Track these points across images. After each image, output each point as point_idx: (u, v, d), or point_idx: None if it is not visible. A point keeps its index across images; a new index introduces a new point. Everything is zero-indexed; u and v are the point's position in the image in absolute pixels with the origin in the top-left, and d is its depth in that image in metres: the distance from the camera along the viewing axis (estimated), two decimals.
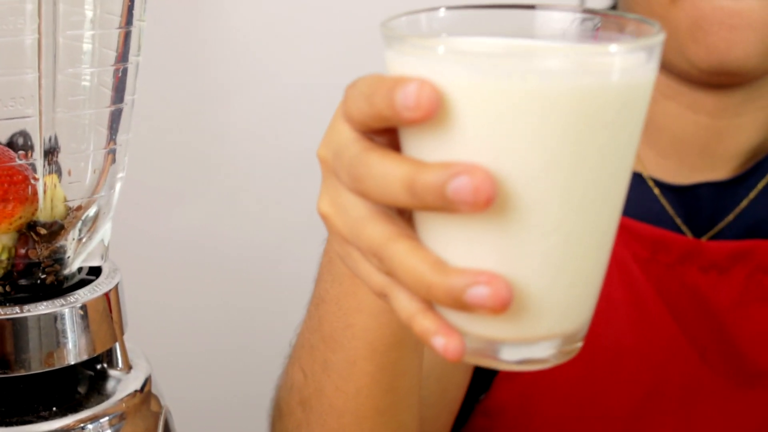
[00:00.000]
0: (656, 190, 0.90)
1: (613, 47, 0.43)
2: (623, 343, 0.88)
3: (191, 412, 0.74)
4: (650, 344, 0.88)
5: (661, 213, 0.90)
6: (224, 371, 1.45)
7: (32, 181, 0.61)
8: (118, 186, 0.66)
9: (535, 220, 0.44)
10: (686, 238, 0.88)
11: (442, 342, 0.46)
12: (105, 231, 0.66)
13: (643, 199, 0.91)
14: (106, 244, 0.67)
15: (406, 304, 0.48)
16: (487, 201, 0.42)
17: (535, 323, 0.46)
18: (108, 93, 0.64)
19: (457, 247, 0.45)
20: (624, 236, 0.88)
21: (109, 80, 0.63)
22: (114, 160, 0.65)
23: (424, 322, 0.47)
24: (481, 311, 0.44)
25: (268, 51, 1.38)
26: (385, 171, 0.45)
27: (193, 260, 1.41)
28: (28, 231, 0.63)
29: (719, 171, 0.90)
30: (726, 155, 0.90)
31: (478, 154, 0.43)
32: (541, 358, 0.47)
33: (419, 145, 0.45)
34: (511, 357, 0.47)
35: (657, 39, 0.45)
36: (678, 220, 0.90)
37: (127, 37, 0.63)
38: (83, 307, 0.63)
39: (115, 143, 0.64)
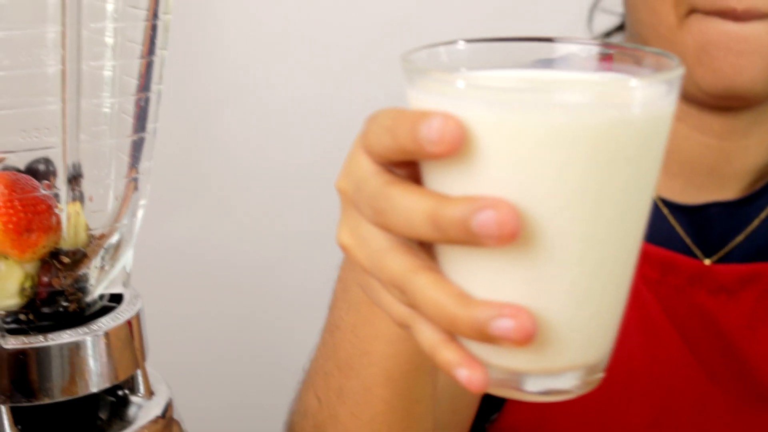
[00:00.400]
0: (665, 210, 0.90)
1: (634, 81, 0.44)
2: (634, 364, 0.88)
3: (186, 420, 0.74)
4: (660, 365, 0.88)
5: (670, 233, 0.90)
6: (221, 379, 1.45)
7: (56, 210, 0.62)
8: (140, 213, 0.66)
9: (559, 253, 0.44)
10: (695, 261, 0.88)
11: (466, 374, 0.46)
12: (127, 258, 0.66)
13: (653, 220, 0.91)
14: (128, 271, 0.67)
15: (428, 335, 0.48)
16: (512, 235, 0.43)
17: (559, 355, 0.46)
18: (130, 121, 0.64)
19: (480, 279, 0.46)
20: None
21: (131, 108, 0.63)
22: (136, 188, 0.65)
23: (447, 354, 0.47)
24: (506, 343, 0.44)
25: (263, 61, 1.38)
26: (409, 205, 0.45)
27: (187, 269, 1.40)
28: (51, 259, 0.63)
29: (728, 191, 0.90)
30: (734, 176, 0.90)
31: (501, 188, 0.43)
32: (565, 389, 0.48)
33: (442, 179, 0.45)
34: (534, 388, 0.47)
35: (677, 73, 0.45)
36: (688, 240, 0.90)
37: (149, 66, 0.63)
38: (106, 335, 0.63)
39: (137, 171, 0.64)
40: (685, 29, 0.81)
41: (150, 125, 0.64)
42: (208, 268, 1.42)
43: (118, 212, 0.65)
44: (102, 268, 0.65)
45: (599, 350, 0.48)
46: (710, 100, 0.84)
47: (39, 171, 0.64)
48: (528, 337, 0.44)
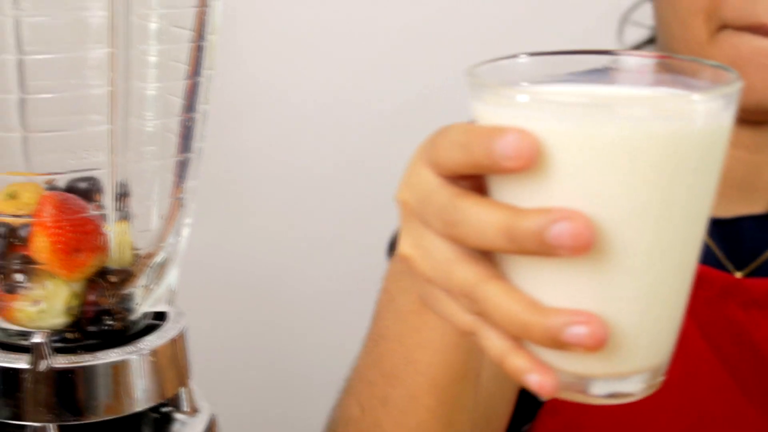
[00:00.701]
0: None
1: (696, 96, 0.46)
2: (667, 377, 0.87)
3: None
4: (693, 378, 0.88)
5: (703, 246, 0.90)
6: (244, 386, 1.45)
7: (103, 230, 0.62)
8: (185, 232, 0.66)
9: (628, 260, 0.46)
10: (726, 274, 0.88)
11: (537, 379, 0.48)
12: (172, 277, 0.67)
13: None
14: (173, 289, 0.68)
15: (496, 343, 0.49)
16: (587, 246, 0.44)
17: (625, 359, 0.48)
18: (175, 141, 0.64)
19: (550, 287, 0.47)
20: None
21: (176, 128, 0.64)
22: (182, 207, 0.65)
23: (517, 361, 0.49)
24: (578, 350, 0.46)
25: (279, 71, 1.39)
26: (482, 217, 0.47)
27: (204, 278, 1.41)
28: (98, 278, 0.63)
29: (758, 205, 0.90)
30: (765, 189, 0.90)
31: (572, 200, 0.45)
32: (630, 392, 0.50)
33: (511, 191, 0.47)
34: (601, 391, 0.49)
35: (736, 87, 0.48)
36: (719, 254, 0.90)
37: (195, 86, 0.63)
38: (153, 354, 0.64)
39: (182, 190, 0.65)
40: (716, 45, 0.81)
41: (196, 145, 0.65)
42: (226, 275, 1.43)
43: (164, 231, 0.65)
44: (147, 287, 0.65)
45: (663, 353, 0.50)
46: (741, 114, 0.84)
47: (79, 189, 0.64)
48: (600, 343, 0.46)
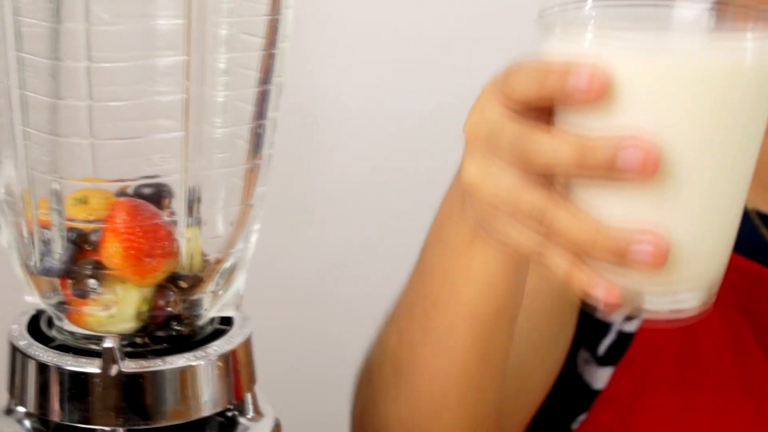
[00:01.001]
0: (757, 222, 0.90)
1: (755, 33, 0.51)
2: (725, 374, 0.87)
3: None
4: (749, 377, 0.87)
5: (760, 245, 0.89)
6: (302, 390, 1.45)
7: (175, 236, 0.62)
8: (253, 238, 0.66)
9: (689, 184, 0.51)
10: None
11: (602, 292, 0.52)
12: (240, 282, 0.67)
13: (743, 232, 0.90)
14: (241, 294, 0.68)
15: (562, 262, 0.54)
16: (652, 170, 0.49)
17: (682, 276, 0.53)
18: (245, 147, 0.64)
19: (614, 209, 0.52)
20: None
21: (246, 135, 0.64)
22: (251, 213, 0.66)
23: (582, 276, 0.53)
24: (641, 266, 0.51)
25: (345, 79, 1.39)
26: (554, 145, 0.51)
27: (267, 282, 1.41)
28: (168, 284, 0.64)
29: None
30: None
31: (639, 128, 0.49)
32: (685, 308, 0.54)
33: (579, 121, 0.51)
34: (658, 307, 0.54)
35: None
36: None
37: (265, 93, 0.63)
38: (221, 359, 0.64)
39: (252, 197, 0.65)
40: None
41: (265, 152, 0.65)
42: (289, 279, 1.43)
43: (233, 237, 0.66)
44: (215, 292, 0.66)
45: (716, 272, 0.54)
46: None
47: (146, 195, 0.65)
48: (661, 260, 0.50)
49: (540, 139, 0.52)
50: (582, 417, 0.90)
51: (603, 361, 0.87)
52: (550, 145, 0.51)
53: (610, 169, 0.49)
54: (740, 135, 0.51)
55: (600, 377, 0.87)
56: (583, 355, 0.88)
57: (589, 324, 0.87)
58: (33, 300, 0.66)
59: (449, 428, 0.75)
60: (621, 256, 0.50)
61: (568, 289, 0.55)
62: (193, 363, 0.63)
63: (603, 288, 0.52)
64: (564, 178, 0.53)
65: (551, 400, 0.90)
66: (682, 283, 0.53)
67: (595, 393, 0.88)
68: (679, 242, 0.51)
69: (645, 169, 0.49)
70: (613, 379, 0.87)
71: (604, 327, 0.87)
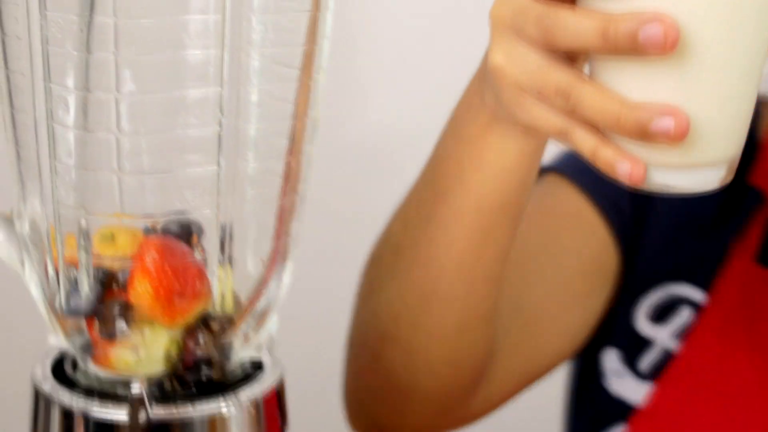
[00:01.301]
0: None
1: None
2: (756, 383, 0.86)
3: None
4: None
5: None
6: None
7: (207, 275, 0.60)
8: (286, 278, 0.64)
9: (707, 59, 0.53)
10: None
11: (627, 167, 0.55)
12: (272, 324, 0.65)
13: None
14: (273, 337, 0.65)
15: (588, 138, 0.56)
16: (673, 44, 0.51)
17: (703, 150, 0.55)
18: (279, 183, 0.62)
19: (636, 85, 0.54)
20: None
21: (280, 170, 0.62)
22: (284, 252, 0.63)
23: (608, 152, 0.55)
24: (663, 140, 0.53)
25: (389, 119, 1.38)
26: (578, 21, 0.53)
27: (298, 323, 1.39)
28: (199, 325, 0.61)
29: None
30: None
31: (660, 8, 0.51)
32: (706, 182, 0.56)
33: (603, 5, 0.53)
34: (680, 182, 0.56)
35: None
36: None
37: (301, 127, 0.61)
38: (253, 404, 0.61)
39: (286, 235, 0.63)
40: None
41: (300, 188, 0.62)
42: (320, 319, 1.41)
43: (265, 277, 0.63)
44: (247, 334, 0.63)
45: (735, 147, 0.56)
46: None
47: (174, 232, 0.62)
48: (682, 134, 0.52)
49: (565, 17, 0.54)
50: (618, 430, 0.89)
51: (644, 377, 0.88)
52: (575, 22, 0.53)
53: (632, 44, 0.51)
54: (756, 18, 0.53)
55: (638, 392, 0.88)
56: (613, 366, 0.89)
57: (629, 340, 0.88)
58: (57, 341, 0.64)
59: (434, 326, 0.76)
60: (644, 131, 0.53)
61: (593, 165, 0.57)
62: (224, 410, 0.60)
63: (628, 163, 0.55)
64: (589, 54, 0.56)
65: (574, 406, 0.93)
66: (702, 158, 0.55)
67: (631, 407, 0.88)
68: (699, 118, 0.53)
69: (666, 43, 0.51)
70: (656, 396, 0.87)
71: (644, 343, 0.88)
